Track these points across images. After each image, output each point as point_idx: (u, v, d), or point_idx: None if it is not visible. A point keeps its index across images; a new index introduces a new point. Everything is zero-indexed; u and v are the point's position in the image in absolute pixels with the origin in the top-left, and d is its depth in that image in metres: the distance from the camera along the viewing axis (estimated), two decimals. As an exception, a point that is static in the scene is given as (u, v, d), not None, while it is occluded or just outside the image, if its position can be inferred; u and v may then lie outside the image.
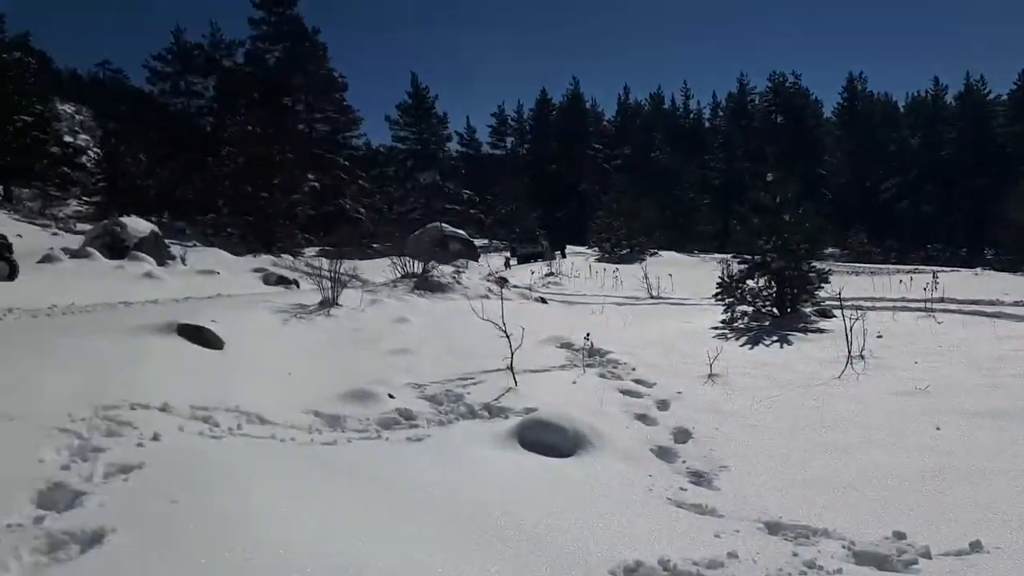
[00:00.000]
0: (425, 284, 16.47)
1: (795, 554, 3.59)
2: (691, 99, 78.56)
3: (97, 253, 19.13)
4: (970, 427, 6.30)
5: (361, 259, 23.71)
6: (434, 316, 13.77)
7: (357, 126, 48.20)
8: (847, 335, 9.42)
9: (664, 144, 66.56)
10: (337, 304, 12.86)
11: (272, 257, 27.37)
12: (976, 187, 53.29)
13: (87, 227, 27.55)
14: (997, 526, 4.12)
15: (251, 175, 32.93)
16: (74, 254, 19.02)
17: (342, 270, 14.52)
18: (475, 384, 7.87)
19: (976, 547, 3.77)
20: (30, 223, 30.14)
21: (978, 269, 26.59)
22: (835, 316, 12.59)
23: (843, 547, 3.77)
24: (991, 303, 14.33)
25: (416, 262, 18.07)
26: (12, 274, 15.31)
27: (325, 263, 14.84)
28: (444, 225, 35.87)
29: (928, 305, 13.83)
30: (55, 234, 27.81)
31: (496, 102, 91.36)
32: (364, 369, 8.33)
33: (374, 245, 35.14)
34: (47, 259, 17.81)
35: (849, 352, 9.19)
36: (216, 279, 17.78)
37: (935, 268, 26.84)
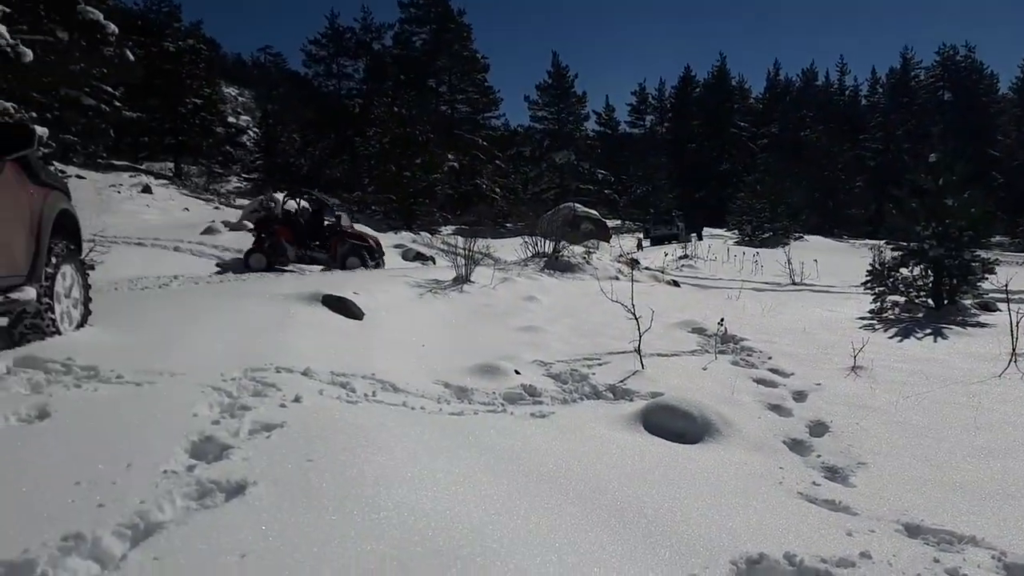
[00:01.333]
0: (555, 264, 16.58)
1: (936, 560, 3.35)
2: (847, 75, 73.94)
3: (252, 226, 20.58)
4: None
5: (495, 238, 24.17)
6: (563, 295, 13.84)
7: (496, 107, 48.94)
8: (1012, 330, 8.61)
9: (815, 122, 63.01)
10: (470, 281, 13.20)
11: (412, 234, 28.39)
12: None
13: (245, 202, 29.68)
14: None
15: (395, 155, 34.21)
16: (232, 227, 20.56)
17: (476, 248, 14.89)
18: (600, 365, 7.84)
19: None
20: (196, 197, 32.90)
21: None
22: (1000, 310, 11.58)
23: (992, 557, 3.48)
24: None
25: (547, 242, 18.20)
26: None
27: (460, 241, 15.27)
28: (576, 205, 35.78)
29: (1116, 303, 12.38)
30: (217, 208, 30.18)
31: (637, 81, 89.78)
32: (492, 344, 8.51)
33: (508, 224, 35.68)
34: (208, 231, 19.40)
35: (1013, 349, 8.40)
36: (359, 254, 18.68)
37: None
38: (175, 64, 39.04)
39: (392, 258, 20.25)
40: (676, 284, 18.17)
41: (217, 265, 16.71)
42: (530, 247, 18.76)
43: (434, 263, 19.79)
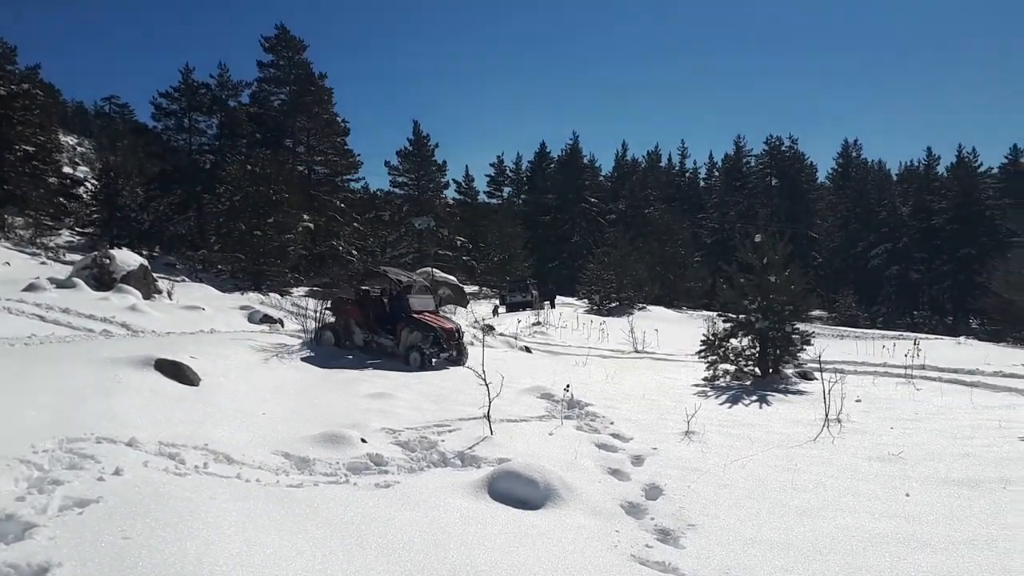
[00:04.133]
0: (411, 329, 16.42)
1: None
2: (687, 158, 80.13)
3: (83, 284, 19.07)
4: (939, 495, 6.30)
5: (350, 301, 23.71)
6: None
7: (356, 170, 48.67)
8: (825, 398, 9.45)
9: (659, 201, 67.40)
10: (320, 345, 12.87)
11: (260, 295, 27.34)
12: (964, 256, 54.00)
13: (77, 258, 27.52)
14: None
15: (245, 213, 33.09)
16: (60, 284, 18.97)
17: (327, 311, 14.59)
18: (451, 431, 7.84)
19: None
20: (20, 251, 30.13)
21: (961, 338, 26.71)
22: (816, 379, 12.65)
23: (803, 612, 3.75)
24: (971, 372, 14.39)
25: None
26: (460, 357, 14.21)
27: (312, 303, 14.90)
28: (435, 270, 35.99)
29: (908, 372, 13.92)
30: (44, 263, 27.78)
31: (496, 153, 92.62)
32: (339, 412, 8.31)
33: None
34: (31, 288, 17.76)
35: (826, 415, 9.21)
36: (201, 315, 17.74)
37: (919, 335, 27.00)
38: (5, 108, 36.26)
39: (238, 320, 19.39)
40: (529, 350, 18.56)
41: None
42: (385, 311, 18.58)
43: (283, 326, 19.12)
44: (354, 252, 42.09)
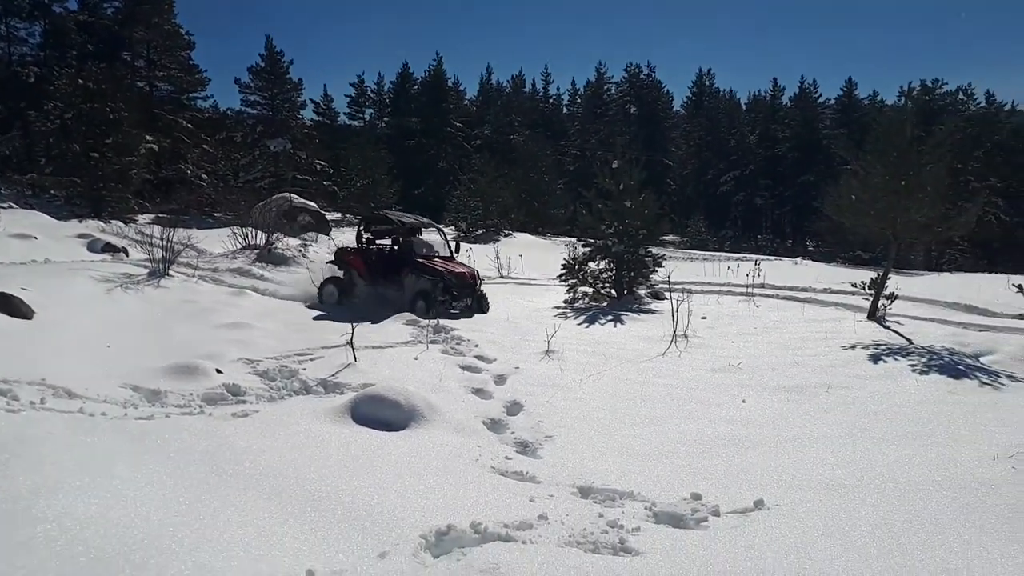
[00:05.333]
0: (268, 256, 15.93)
1: (601, 515, 3.84)
2: (551, 84, 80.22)
3: None
4: (771, 400, 6.96)
5: (201, 228, 22.52)
6: (275, 289, 13.37)
7: (203, 87, 45.25)
8: (673, 316, 10.08)
9: (523, 127, 67.53)
10: (168, 275, 12.20)
11: (100, 223, 25.33)
12: (803, 183, 57.98)
13: None
14: (780, 486, 4.60)
15: (80, 133, 30.19)
16: None
17: (177, 239, 13.78)
18: (313, 360, 7.74)
19: (759, 504, 4.20)
20: None
21: (798, 259, 29.07)
22: (667, 298, 13.40)
23: (645, 508, 4.08)
24: (804, 290, 15.76)
25: (260, 233, 17.41)
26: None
27: (158, 231, 13.97)
28: (293, 196, 34.58)
29: (750, 290, 15.04)
30: None
31: (356, 73, 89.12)
32: (193, 343, 7.98)
33: (216, 214, 33.34)
34: None
35: (674, 332, 9.85)
36: (33, 244, 16.25)
37: (761, 257, 29.09)
38: None
39: (76, 249, 17.94)
40: (393, 277, 18.42)
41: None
42: (240, 239, 17.78)
43: (127, 255, 17.88)
44: (204, 176, 39.62)
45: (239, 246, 17.37)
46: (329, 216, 40.86)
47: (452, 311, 12.27)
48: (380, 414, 5.59)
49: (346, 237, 33.86)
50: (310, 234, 26.21)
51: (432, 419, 5.65)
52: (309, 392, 6.49)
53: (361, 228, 14.59)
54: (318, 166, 48.63)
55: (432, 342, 9.32)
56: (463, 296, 12.56)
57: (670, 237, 47.89)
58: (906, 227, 11.67)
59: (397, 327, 10.44)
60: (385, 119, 73.18)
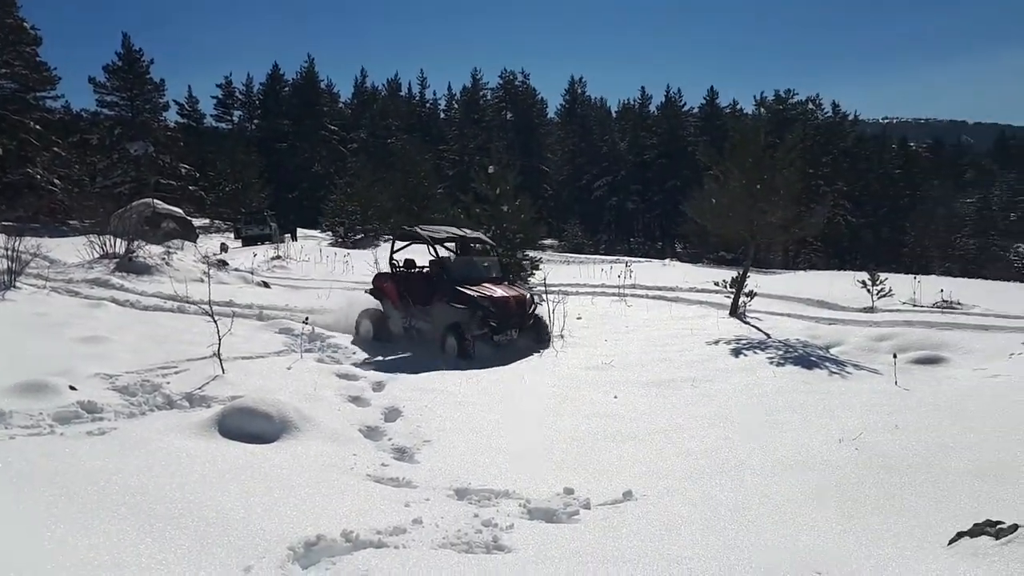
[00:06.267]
0: (129, 266, 15.02)
1: (476, 515, 3.89)
2: (427, 88, 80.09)
3: None
4: (641, 395, 7.26)
5: (53, 237, 20.96)
6: (138, 300, 12.63)
7: (53, 86, 42.07)
8: (550, 317, 10.31)
9: (400, 131, 67.00)
10: (15, 287, 11.28)
11: (-66, 232, 23.05)
12: (670, 188, 60.64)
13: None
14: (648, 477, 4.80)
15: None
16: None
17: (24, 248, 12.75)
18: (177, 373, 7.36)
19: (628, 496, 4.37)
20: None
21: (667, 260, 30.38)
22: (545, 301, 13.68)
23: (520, 505, 4.15)
24: (672, 289, 16.50)
25: (120, 241, 16.40)
26: None
27: (3, 240, 12.86)
28: (156, 202, 32.77)
29: (621, 291, 15.59)
30: None
31: (223, 73, 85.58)
32: (44, 359, 7.40)
33: (71, 222, 31.10)
34: None
35: (550, 333, 10.07)
36: None
37: (632, 259, 30.21)
38: None
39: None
40: (267, 285, 17.81)
41: None
42: (97, 248, 16.67)
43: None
44: (56, 181, 36.84)
45: (96, 255, 16.28)
46: (196, 222, 39.01)
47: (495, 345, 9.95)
48: (250, 427, 5.39)
49: (216, 243, 32.41)
50: (175, 241, 24.88)
51: (305, 429, 5.51)
52: (173, 407, 6.17)
53: (393, 247, 12.27)
54: (183, 170, 46.28)
55: (307, 351, 9.10)
56: (507, 328, 10.09)
57: (548, 241, 48.88)
58: (762, 228, 12.47)
59: (270, 336, 10.11)
60: (255, 121, 70.71)
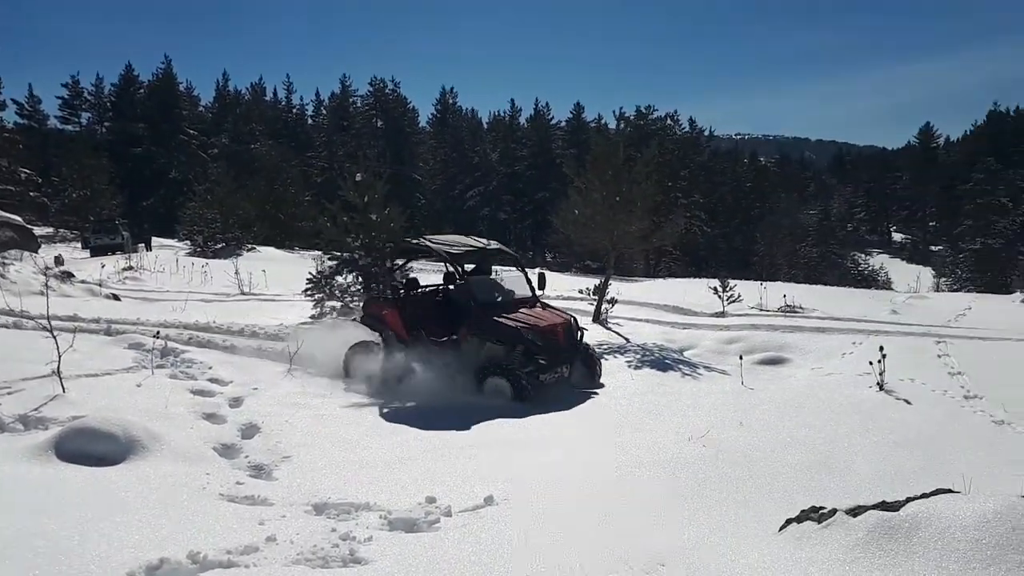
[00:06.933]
0: (-46, 278, 13.67)
1: (334, 530, 3.84)
2: (294, 93, 77.97)
3: None
4: (505, 404, 7.38)
5: None
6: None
7: None
8: (419, 327, 10.29)
9: (265, 136, 64.76)
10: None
11: None
12: (540, 199, 62.01)
13: None
14: (510, 482, 4.90)
15: None
16: None
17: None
18: (11, 393, 6.79)
19: (489, 500, 4.45)
20: None
21: (537, 269, 31.01)
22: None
23: (380, 517, 4.14)
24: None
25: (-57, 252, 14.91)
26: None
27: None
28: (-9, 209, 30.04)
29: (491, 299, 15.80)
30: None
31: (69, 72, 79.83)
32: None
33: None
34: None
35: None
36: None
37: (503, 268, 30.59)
38: None
39: None
40: (117, 298, 16.72)
41: None
42: (-85, 259, 15.08)
43: None
44: None
45: (-87, 267, 14.72)
46: (38, 231, 36.03)
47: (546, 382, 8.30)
48: (92, 448, 5.07)
49: (62, 253, 30.04)
50: (13, 252, 22.87)
51: (155, 449, 5.24)
52: (4, 430, 5.70)
53: (393, 265, 10.60)
54: (23, 175, 42.70)
55: (159, 367, 8.62)
56: (558, 364, 8.43)
57: (420, 250, 48.66)
58: (622, 238, 13.01)
59: (118, 351, 9.49)
60: (106, 124, 66.24)
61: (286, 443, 5.86)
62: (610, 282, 13.92)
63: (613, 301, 13.48)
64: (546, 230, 51.79)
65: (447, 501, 4.41)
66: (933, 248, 64.66)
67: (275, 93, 77.22)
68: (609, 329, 12.20)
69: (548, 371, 8.24)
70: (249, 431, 6.21)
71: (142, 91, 66.35)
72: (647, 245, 15.07)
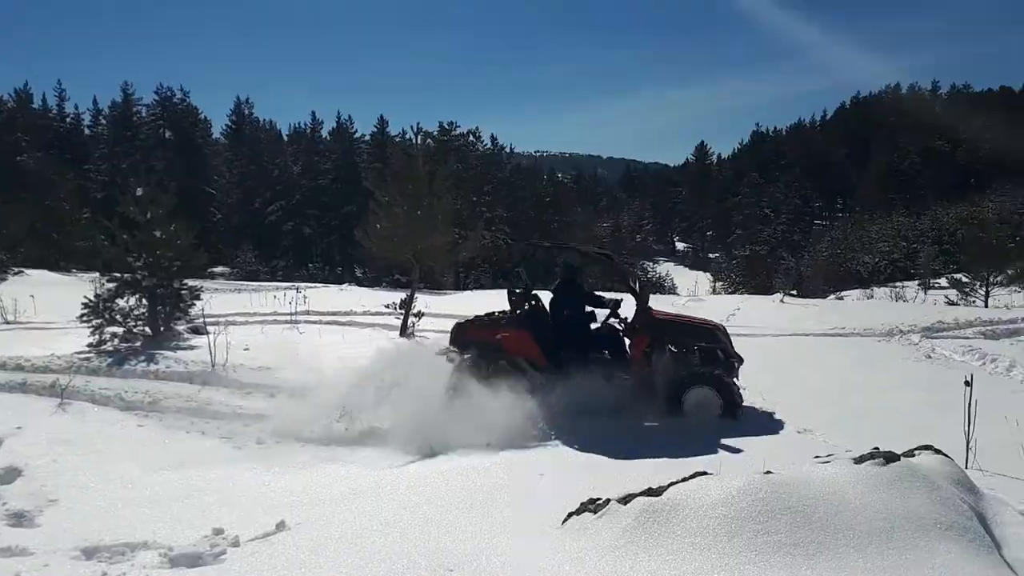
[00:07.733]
0: None
1: (104, 574, 3.56)
2: (67, 101, 70.71)
3: None
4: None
5: None
6: None
7: None
8: (211, 349, 9.77)
9: (33, 148, 58.13)
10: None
11: None
12: (346, 213, 60.82)
13: None
14: (302, 506, 4.78)
15: None
16: None
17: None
18: None
19: (281, 526, 4.32)
20: None
21: (345, 285, 30.42)
22: (209, 332, 12.89)
23: (160, 555, 3.89)
24: (346, 313, 16.58)
25: None
26: None
27: None
28: None
29: (294, 317, 15.28)
30: None
31: None
32: None
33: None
34: None
35: (213, 364, 9.55)
36: None
37: (310, 284, 29.75)
38: None
39: None
40: None
41: None
42: None
43: None
44: None
45: None
46: None
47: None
48: None
49: None
50: None
51: None
52: None
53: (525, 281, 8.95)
54: None
55: None
56: (734, 366, 7.64)
57: (219, 268, 46.04)
58: (426, 251, 13.12)
59: None
60: None
61: (52, 485, 5.31)
62: (416, 296, 13.97)
63: (420, 314, 13.54)
64: (354, 244, 50.90)
65: (235, 531, 4.23)
66: (711, 255, 71.43)
67: (44, 101, 69.58)
68: (416, 343, 12.24)
69: (734, 376, 7.52)
70: (9, 475, 5.56)
71: None
72: (451, 258, 15.30)
